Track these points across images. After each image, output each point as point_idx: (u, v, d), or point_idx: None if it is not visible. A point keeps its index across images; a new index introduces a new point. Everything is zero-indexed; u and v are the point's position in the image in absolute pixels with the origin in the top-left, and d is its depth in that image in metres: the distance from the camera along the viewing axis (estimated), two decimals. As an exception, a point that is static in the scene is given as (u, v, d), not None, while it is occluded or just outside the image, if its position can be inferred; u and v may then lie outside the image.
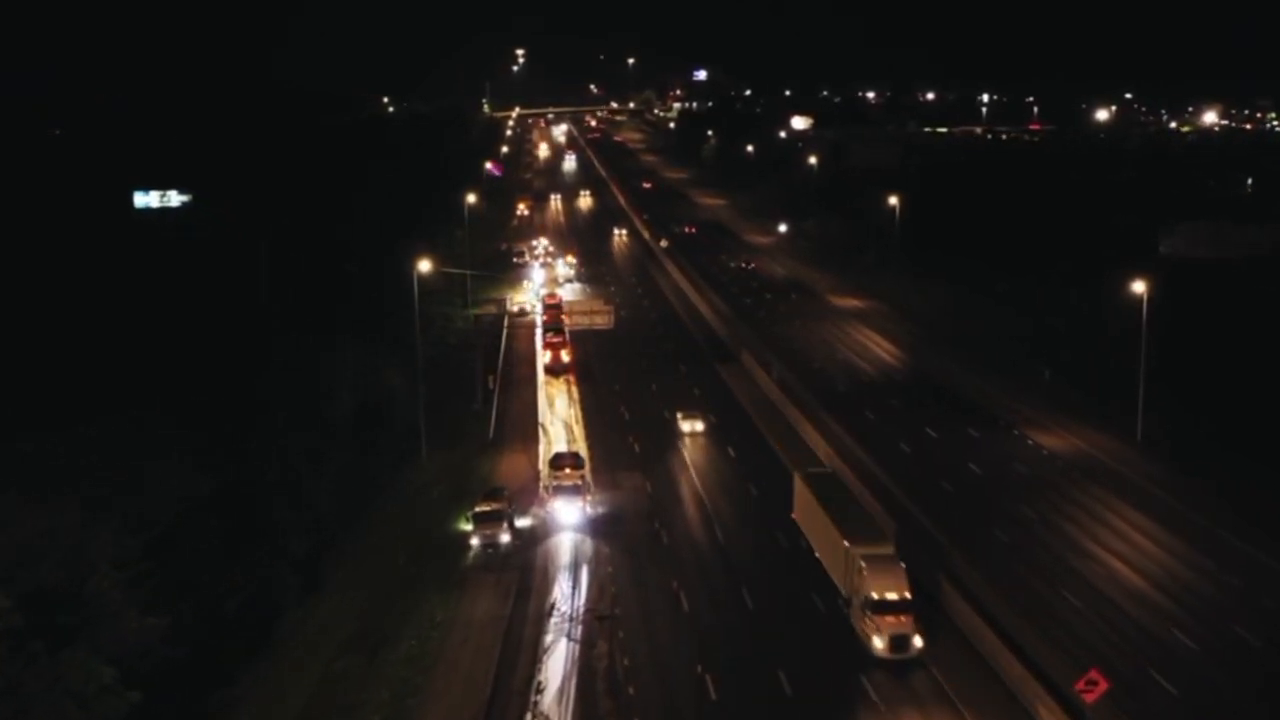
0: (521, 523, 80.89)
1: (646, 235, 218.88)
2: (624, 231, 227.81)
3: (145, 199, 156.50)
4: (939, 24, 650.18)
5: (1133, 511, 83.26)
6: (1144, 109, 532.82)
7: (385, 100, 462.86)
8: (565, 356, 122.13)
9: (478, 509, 77.11)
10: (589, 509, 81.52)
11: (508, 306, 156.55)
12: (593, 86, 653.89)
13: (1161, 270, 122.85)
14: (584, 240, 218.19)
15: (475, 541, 75.70)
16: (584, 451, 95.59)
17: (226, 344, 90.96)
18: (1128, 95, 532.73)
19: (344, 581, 72.95)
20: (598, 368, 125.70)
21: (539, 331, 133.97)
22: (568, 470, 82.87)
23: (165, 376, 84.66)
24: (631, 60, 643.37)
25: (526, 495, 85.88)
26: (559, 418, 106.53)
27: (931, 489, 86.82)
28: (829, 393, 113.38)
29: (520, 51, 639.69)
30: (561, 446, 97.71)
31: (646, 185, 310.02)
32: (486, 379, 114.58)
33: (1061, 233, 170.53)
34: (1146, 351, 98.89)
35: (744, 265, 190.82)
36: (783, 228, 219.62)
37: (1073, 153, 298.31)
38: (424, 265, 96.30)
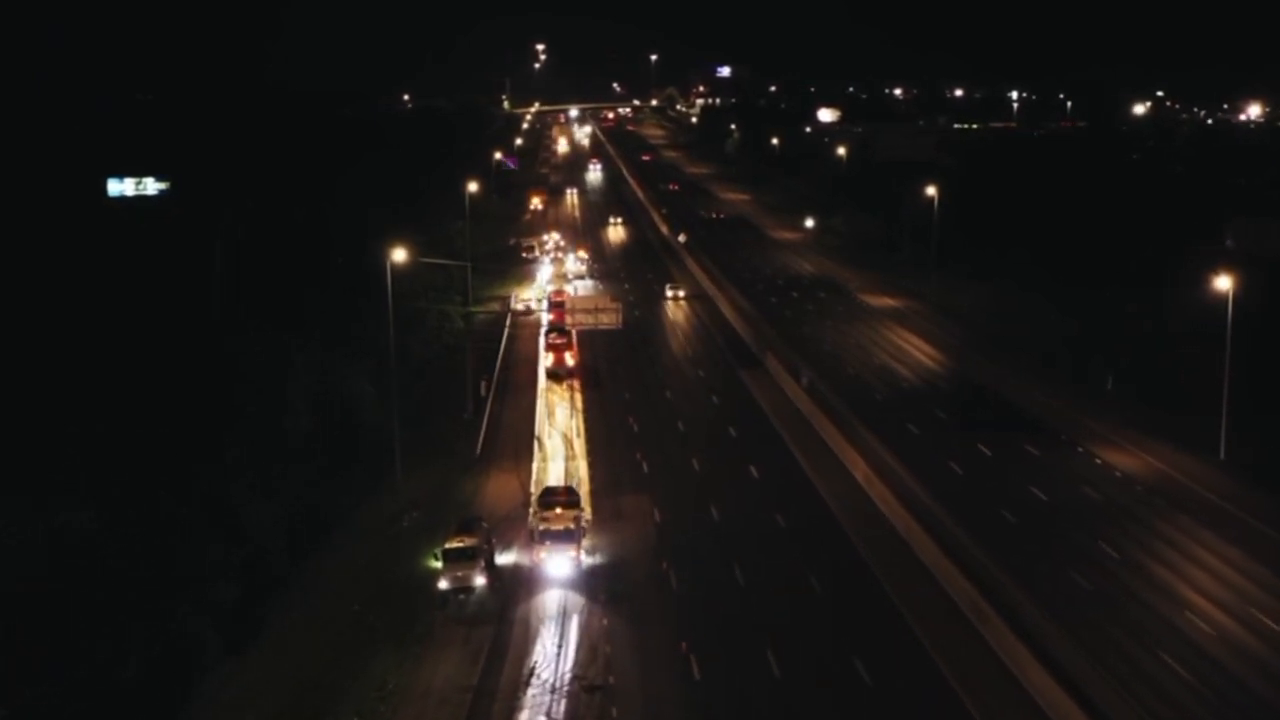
0: (504, 559, 67.98)
1: (665, 230, 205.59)
2: (681, 293, 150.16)
3: (119, 187, 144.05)
4: (963, 22, 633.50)
5: (1229, 548, 69.98)
6: (1177, 105, 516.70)
7: (406, 97, 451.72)
8: (570, 360, 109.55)
9: (448, 545, 64.00)
10: (584, 557, 67.01)
11: (512, 304, 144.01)
12: (615, 85, 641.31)
13: (1237, 266, 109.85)
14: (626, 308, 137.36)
15: (444, 585, 62.57)
16: (584, 469, 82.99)
17: (169, 347, 78.05)
18: (1159, 93, 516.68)
19: (282, 636, 60.00)
20: (605, 372, 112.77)
21: (544, 331, 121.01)
22: (559, 510, 67.72)
23: (89, 387, 71.86)
24: (654, 57, 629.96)
25: (512, 524, 72.98)
26: (558, 429, 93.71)
27: (991, 519, 73.70)
28: (865, 402, 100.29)
29: (540, 47, 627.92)
30: (559, 464, 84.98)
31: (645, 158, 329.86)
32: (479, 385, 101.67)
33: (1111, 228, 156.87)
34: (1231, 356, 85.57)
35: (714, 216, 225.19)
36: (809, 223, 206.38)
37: (1115, 147, 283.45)
38: (399, 254, 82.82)
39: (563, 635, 58.95)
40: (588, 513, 73.92)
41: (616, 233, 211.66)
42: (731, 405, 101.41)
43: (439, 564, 63.34)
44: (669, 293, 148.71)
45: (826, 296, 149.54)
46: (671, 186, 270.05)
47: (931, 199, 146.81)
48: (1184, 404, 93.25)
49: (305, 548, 68.32)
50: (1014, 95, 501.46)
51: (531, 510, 71.23)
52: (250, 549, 63.85)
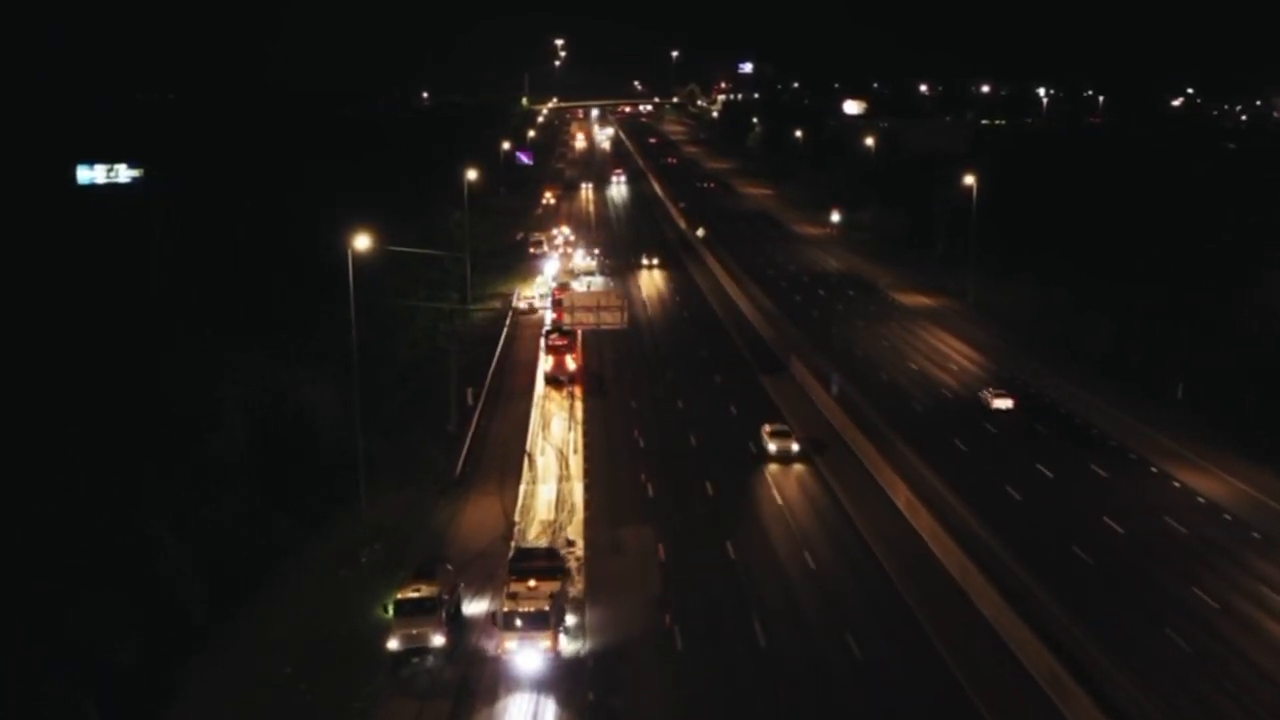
0: (474, 608, 56.23)
1: (683, 224, 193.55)
2: (794, 446, 78.84)
3: (89, 174, 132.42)
4: (957, 22, 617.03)
5: (1350, 593, 58.07)
6: (1204, 102, 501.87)
7: (425, 95, 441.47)
8: (571, 364, 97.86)
9: (401, 595, 52.19)
10: (564, 641, 51.71)
11: (514, 301, 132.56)
12: (636, 83, 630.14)
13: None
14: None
15: (394, 645, 50.76)
16: (579, 493, 71.29)
17: (92, 350, 66.40)
18: (1189, 90, 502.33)
19: (192, 710, 48.19)
20: (611, 377, 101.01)
21: (544, 332, 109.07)
22: (532, 584, 51.71)
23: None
24: (675, 54, 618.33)
25: (489, 561, 61.20)
26: (553, 444, 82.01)
27: (1061, 559, 62.02)
28: (904, 413, 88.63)
29: (560, 42, 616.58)
30: (550, 486, 73.22)
31: (652, 140, 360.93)
32: (466, 393, 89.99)
33: (1160, 226, 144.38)
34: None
35: (706, 185, 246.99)
36: (835, 217, 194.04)
37: (1155, 143, 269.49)
38: (362, 242, 70.77)
39: (536, 716, 47.08)
40: (579, 548, 62.53)
41: (652, 282, 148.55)
42: (752, 416, 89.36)
43: (391, 616, 51.66)
44: (772, 446, 78.37)
45: (856, 295, 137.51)
46: (670, 160, 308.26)
47: (969, 189, 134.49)
48: (1263, 417, 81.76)
49: (234, 593, 56.48)
50: (1040, 91, 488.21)
51: (509, 566, 56.70)
52: (160, 597, 52.15)
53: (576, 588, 57.57)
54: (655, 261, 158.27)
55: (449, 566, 56.24)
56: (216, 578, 56.23)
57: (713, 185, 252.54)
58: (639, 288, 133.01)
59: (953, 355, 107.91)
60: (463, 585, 56.56)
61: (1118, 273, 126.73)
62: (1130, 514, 68.54)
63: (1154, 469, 76.66)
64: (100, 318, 71.03)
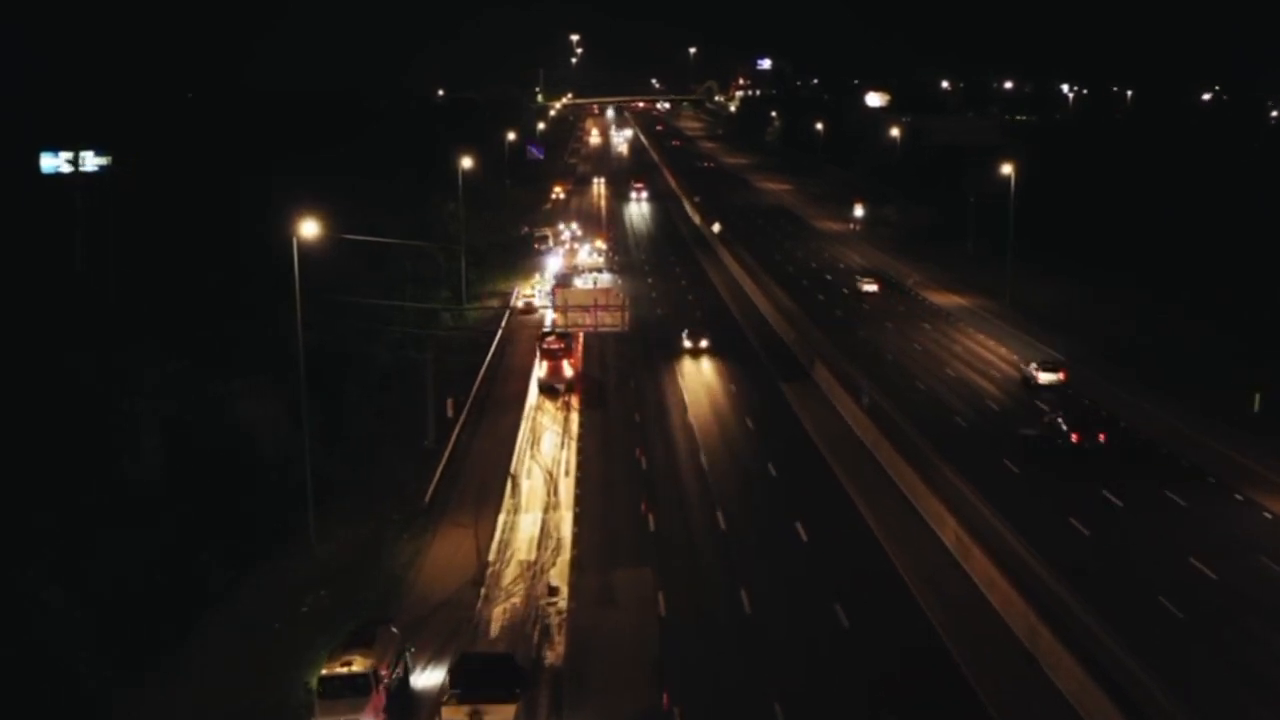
0: (425, 679, 45.55)
1: (698, 220, 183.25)
2: None
3: (54, 162, 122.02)
4: (1001, 17, 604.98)
5: None
6: (1232, 98, 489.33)
7: (441, 92, 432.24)
8: (568, 370, 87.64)
9: (328, 669, 41.52)
10: None
11: (513, 300, 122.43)
12: (654, 80, 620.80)
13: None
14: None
15: (318, 732, 40.25)
16: (567, 525, 60.75)
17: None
18: (1216, 87, 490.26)
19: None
20: (613, 384, 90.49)
21: (542, 334, 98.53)
22: (479, 710, 39.23)
23: None
24: (693, 50, 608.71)
25: (453, 612, 50.66)
26: (542, 464, 71.47)
27: (1147, 612, 50.99)
28: (946, 429, 77.81)
29: (575, 38, 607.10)
30: (533, 517, 62.63)
31: (659, 129, 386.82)
32: (446, 403, 79.49)
33: (1205, 224, 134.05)
34: None
35: (706, 166, 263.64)
36: (859, 212, 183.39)
37: (1195, 138, 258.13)
38: (310, 228, 60.16)
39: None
40: (562, 597, 51.83)
41: (702, 383, 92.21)
42: (771, 431, 78.46)
43: (315, 694, 41.06)
44: None
45: (883, 294, 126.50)
46: (674, 143, 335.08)
47: (1005, 181, 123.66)
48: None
49: (138, 654, 45.96)
50: (1065, 88, 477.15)
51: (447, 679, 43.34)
52: (37, 662, 41.71)
53: (556, 652, 46.92)
54: (703, 344, 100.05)
55: (393, 630, 45.27)
56: (116, 634, 45.74)
57: (710, 165, 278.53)
58: (683, 381, 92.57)
59: (994, 361, 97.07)
60: (412, 651, 45.81)
61: (1166, 273, 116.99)
62: (1220, 553, 57.33)
63: (1238, 496, 65.65)
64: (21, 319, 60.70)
